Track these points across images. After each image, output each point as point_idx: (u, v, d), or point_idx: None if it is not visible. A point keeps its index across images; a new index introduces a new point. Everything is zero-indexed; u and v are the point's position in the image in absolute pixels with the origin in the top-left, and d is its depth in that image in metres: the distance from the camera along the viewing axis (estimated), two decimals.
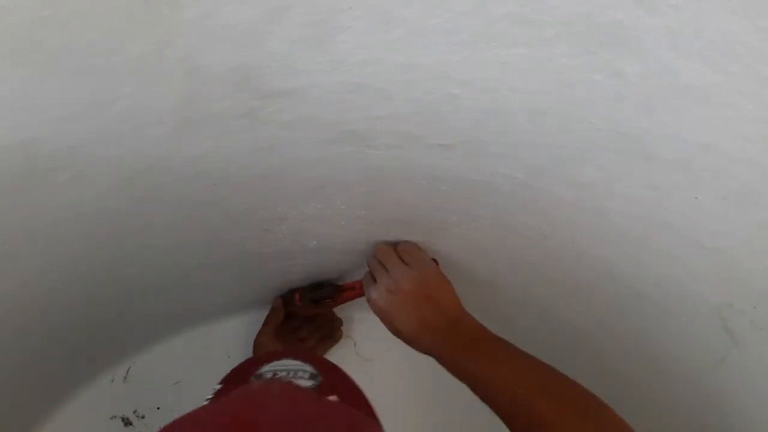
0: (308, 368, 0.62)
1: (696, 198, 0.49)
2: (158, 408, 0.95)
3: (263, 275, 0.87)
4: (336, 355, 0.98)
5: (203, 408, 0.42)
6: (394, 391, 0.99)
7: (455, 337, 0.66)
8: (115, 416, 0.94)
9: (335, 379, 0.63)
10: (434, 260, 0.78)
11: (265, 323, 0.92)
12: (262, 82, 0.44)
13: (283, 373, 0.66)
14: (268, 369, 0.67)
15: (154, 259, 0.72)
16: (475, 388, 0.63)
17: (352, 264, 0.86)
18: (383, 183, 0.63)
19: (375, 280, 0.73)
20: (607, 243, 0.62)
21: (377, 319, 1.00)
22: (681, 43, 0.36)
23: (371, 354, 1.00)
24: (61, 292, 0.68)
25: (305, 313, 0.94)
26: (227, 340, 0.99)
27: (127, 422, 0.94)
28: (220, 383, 0.65)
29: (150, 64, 0.39)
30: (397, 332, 0.70)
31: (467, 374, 0.63)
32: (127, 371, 0.96)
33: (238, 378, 0.67)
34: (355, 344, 1.01)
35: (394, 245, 0.75)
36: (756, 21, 0.33)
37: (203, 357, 0.97)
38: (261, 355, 0.72)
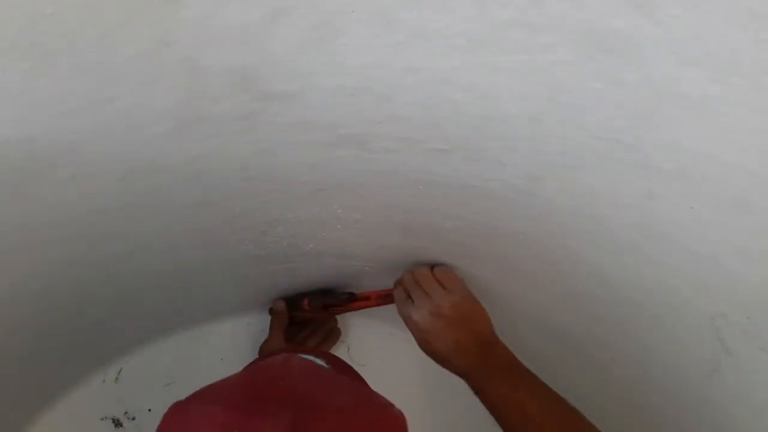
0: (320, 362, 0.63)
1: (692, 207, 0.49)
2: (149, 410, 0.94)
3: (259, 278, 0.86)
4: None
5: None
6: (388, 395, 0.98)
7: (486, 360, 0.70)
8: (105, 417, 0.93)
9: (345, 371, 0.66)
10: None
11: (274, 328, 0.92)
12: (262, 83, 0.44)
13: None
14: None
15: (149, 260, 0.71)
16: (494, 410, 0.66)
17: (350, 268, 0.85)
18: (381, 187, 0.63)
19: (412, 300, 0.76)
20: (603, 251, 0.62)
21: (371, 324, 1.00)
22: (681, 52, 0.36)
23: (364, 359, 1.00)
24: (54, 291, 0.68)
25: (311, 318, 0.93)
26: (221, 343, 0.98)
27: (117, 423, 0.93)
28: None
29: (150, 63, 0.39)
30: (432, 352, 0.74)
31: (490, 395, 0.67)
32: (119, 372, 0.95)
33: None
34: (348, 349, 1.01)
35: (431, 268, 0.78)
36: (756, 31, 0.33)
37: (196, 359, 0.97)
38: (273, 351, 0.74)
